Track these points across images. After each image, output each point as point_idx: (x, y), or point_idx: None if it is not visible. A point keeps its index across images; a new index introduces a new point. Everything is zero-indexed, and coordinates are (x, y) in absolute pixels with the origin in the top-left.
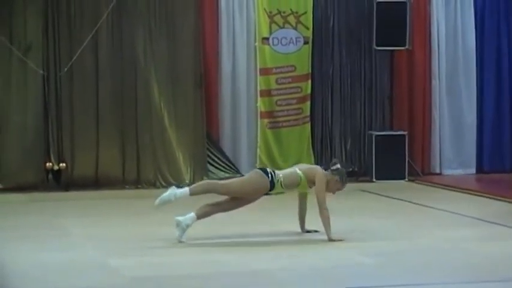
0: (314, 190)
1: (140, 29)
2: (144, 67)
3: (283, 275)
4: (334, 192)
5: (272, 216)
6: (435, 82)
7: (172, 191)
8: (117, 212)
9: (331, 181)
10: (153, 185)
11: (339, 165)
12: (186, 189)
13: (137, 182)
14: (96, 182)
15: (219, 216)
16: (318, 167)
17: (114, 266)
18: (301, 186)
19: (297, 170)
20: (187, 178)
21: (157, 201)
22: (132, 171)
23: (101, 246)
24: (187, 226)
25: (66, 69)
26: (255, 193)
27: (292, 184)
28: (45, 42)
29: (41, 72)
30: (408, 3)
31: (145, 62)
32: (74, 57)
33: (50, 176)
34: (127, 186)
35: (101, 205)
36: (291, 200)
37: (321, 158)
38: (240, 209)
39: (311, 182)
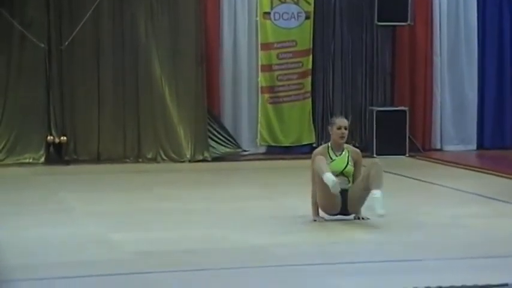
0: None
1: (141, 5)
2: (145, 43)
3: (281, 251)
4: (339, 141)
5: (272, 191)
6: (437, 58)
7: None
8: (118, 186)
9: (332, 135)
10: (154, 159)
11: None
12: None
13: (138, 156)
14: (97, 156)
15: (220, 191)
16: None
17: (115, 241)
18: None
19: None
20: (188, 153)
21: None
22: (133, 146)
23: (102, 221)
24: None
25: (67, 43)
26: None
27: None
28: (47, 17)
29: (42, 46)
30: None
31: (146, 38)
32: (75, 32)
33: (51, 149)
34: (128, 161)
35: (102, 179)
36: (291, 175)
37: (322, 133)
38: (244, 183)
39: None
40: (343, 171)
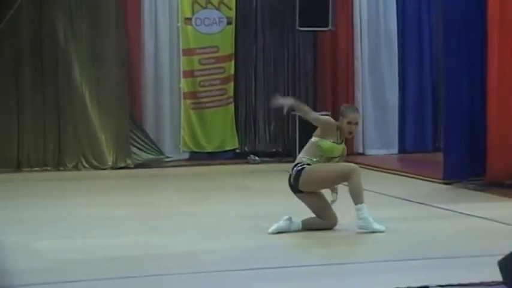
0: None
1: (60, 9)
2: (65, 48)
3: (207, 257)
4: (347, 136)
5: (196, 197)
6: (358, 63)
7: (287, 222)
8: (39, 194)
9: (340, 125)
10: (76, 167)
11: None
12: (299, 222)
13: (59, 164)
14: (17, 164)
15: (143, 198)
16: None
17: (38, 249)
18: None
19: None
20: (109, 160)
21: (273, 229)
22: (54, 154)
23: (23, 228)
24: (289, 229)
25: None
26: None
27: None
28: None
29: None
30: None
31: (66, 44)
32: None
33: None
34: (49, 169)
35: (23, 188)
36: (215, 181)
37: (245, 138)
38: (168, 190)
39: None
40: (342, 154)
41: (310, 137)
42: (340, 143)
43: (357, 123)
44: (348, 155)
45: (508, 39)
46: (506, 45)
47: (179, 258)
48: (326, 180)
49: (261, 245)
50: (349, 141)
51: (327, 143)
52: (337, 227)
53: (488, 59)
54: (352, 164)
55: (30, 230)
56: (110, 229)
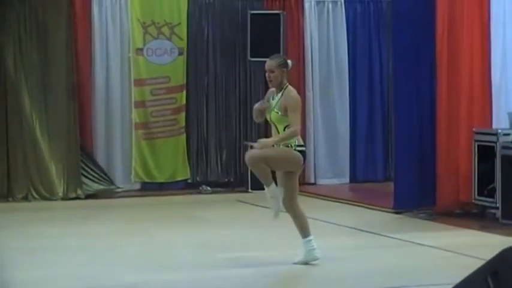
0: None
1: (9, 37)
2: (14, 78)
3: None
4: (270, 85)
5: (146, 227)
6: (309, 93)
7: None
8: None
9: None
10: (25, 198)
11: None
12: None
13: (8, 195)
14: None
15: (93, 228)
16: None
17: None
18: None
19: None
20: (60, 190)
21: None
22: (2, 184)
23: None
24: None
25: None
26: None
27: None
28: None
29: None
30: (282, 16)
31: (15, 73)
32: None
33: None
34: None
35: None
36: (166, 211)
37: (197, 168)
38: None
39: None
40: (271, 118)
41: None
42: (273, 100)
43: (271, 71)
44: (300, 184)
45: (456, 71)
46: (454, 76)
47: None
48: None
49: (213, 276)
50: (302, 171)
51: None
52: (285, 255)
53: (437, 90)
54: None
55: None
56: (60, 261)
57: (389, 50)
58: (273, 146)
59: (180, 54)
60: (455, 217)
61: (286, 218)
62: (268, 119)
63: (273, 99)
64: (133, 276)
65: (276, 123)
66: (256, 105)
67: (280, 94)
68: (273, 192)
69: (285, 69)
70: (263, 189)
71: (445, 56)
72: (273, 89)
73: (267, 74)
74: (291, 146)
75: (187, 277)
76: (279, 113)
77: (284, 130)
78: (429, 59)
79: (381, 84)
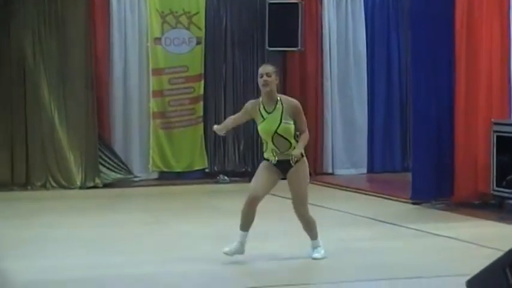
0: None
1: (28, 28)
2: (33, 68)
3: (169, 279)
4: (264, 89)
5: (163, 217)
6: (327, 83)
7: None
8: (4, 214)
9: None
10: (44, 186)
11: None
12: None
13: (26, 184)
14: None
15: (110, 218)
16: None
17: (2, 270)
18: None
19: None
20: (78, 180)
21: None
22: (21, 173)
23: None
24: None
25: None
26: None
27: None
28: None
29: None
30: (300, 5)
31: (34, 63)
32: None
33: None
34: (16, 188)
35: None
36: (183, 200)
37: (214, 158)
38: (136, 209)
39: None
40: (277, 131)
41: None
42: (270, 113)
43: (268, 75)
44: (317, 174)
45: (475, 59)
46: (473, 64)
47: (141, 279)
48: (303, 185)
49: (225, 265)
50: (318, 161)
51: (259, 126)
52: (303, 246)
53: (456, 78)
54: None
55: None
56: (75, 250)
57: (408, 40)
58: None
59: (198, 43)
60: (473, 208)
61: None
62: (269, 134)
63: (265, 114)
64: (151, 266)
65: (285, 135)
66: (217, 127)
67: (278, 105)
68: (245, 238)
69: (278, 77)
70: (281, 178)
71: (464, 46)
72: (249, 104)
73: (262, 79)
74: (303, 154)
75: (203, 267)
76: (290, 122)
77: (294, 138)
78: (448, 49)
79: (399, 74)
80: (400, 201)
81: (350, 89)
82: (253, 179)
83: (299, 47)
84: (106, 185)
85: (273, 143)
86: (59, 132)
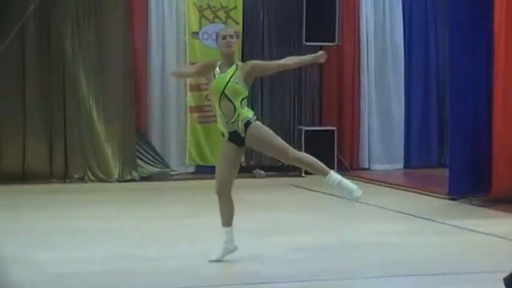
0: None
1: (68, 21)
2: (71, 60)
3: (206, 271)
4: (227, 50)
5: (199, 210)
6: (364, 78)
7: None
8: (43, 206)
9: (219, 49)
10: (81, 179)
11: None
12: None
13: (65, 176)
14: (22, 176)
15: (147, 210)
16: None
17: (39, 261)
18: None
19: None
20: (115, 172)
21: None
22: (60, 165)
23: (25, 240)
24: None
25: None
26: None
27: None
28: None
29: None
30: None
31: (73, 55)
32: (0, 49)
33: None
34: (54, 181)
35: (27, 199)
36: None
37: (251, 152)
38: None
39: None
40: (224, 91)
41: (316, 152)
42: (223, 73)
43: (232, 36)
44: (353, 169)
45: None
46: None
47: (178, 272)
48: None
49: (260, 259)
50: (354, 156)
51: (211, 85)
52: (337, 240)
53: (494, 73)
54: None
55: (32, 242)
56: (110, 242)
57: (446, 34)
58: None
59: (236, 37)
60: (510, 204)
61: (341, 203)
62: (217, 94)
63: (218, 74)
64: (184, 260)
65: (230, 96)
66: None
67: (233, 66)
68: (230, 234)
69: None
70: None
71: (503, 38)
72: (207, 62)
73: (226, 40)
74: (250, 122)
75: (238, 261)
76: (240, 83)
77: (241, 103)
78: (486, 43)
79: (437, 68)
80: (436, 196)
81: (387, 83)
82: (216, 169)
83: (336, 42)
84: (143, 179)
85: (220, 109)
86: (97, 125)
